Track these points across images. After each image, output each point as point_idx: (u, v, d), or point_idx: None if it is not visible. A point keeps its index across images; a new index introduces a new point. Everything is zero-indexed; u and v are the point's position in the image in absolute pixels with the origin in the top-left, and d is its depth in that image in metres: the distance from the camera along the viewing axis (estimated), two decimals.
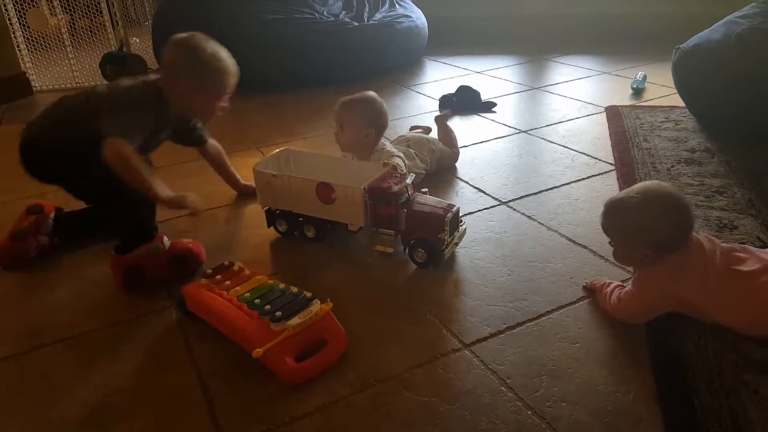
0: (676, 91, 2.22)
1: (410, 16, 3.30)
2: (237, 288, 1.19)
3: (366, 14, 3.21)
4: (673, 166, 1.78)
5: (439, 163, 1.87)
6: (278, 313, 1.08)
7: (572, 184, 1.75)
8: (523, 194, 1.71)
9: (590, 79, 2.85)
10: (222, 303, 1.16)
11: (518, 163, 1.94)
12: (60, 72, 3.30)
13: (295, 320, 1.08)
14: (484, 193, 1.74)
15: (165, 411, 1.01)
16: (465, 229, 1.45)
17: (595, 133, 2.14)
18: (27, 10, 3.12)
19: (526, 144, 2.10)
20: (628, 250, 1.14)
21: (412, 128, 2.17)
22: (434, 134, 2.04)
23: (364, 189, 1.37)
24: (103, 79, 3.23)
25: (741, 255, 1.10)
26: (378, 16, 3.22)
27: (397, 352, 1.11)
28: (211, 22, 2.89)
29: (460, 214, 1.43)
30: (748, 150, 1.85)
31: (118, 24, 3.28)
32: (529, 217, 1.58)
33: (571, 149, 2.01)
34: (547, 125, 2.26)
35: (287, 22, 2.86)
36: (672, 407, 0.94)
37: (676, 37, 2.26)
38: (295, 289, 1.18)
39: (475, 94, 2.55)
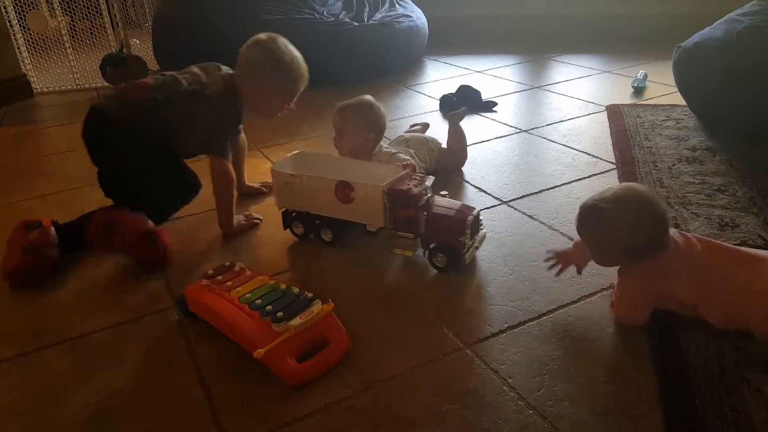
0: (677, 89, 2.22)
1: (410, 16, 3.30)
2: (238, 288, 1.19)
3: (366, 14, 3.21)
4: (674, 165, 1.78)
5: (443, 164, 1.87)
6: (279, 314, 1.08)
7: (573, 184, 1.74)
8: (524, 193, 1.71)
9: (591, 78, 2.85)
10: (223, 304, 1.16)
11: (519, 163, 1.94)
12: (60, 74, 3.30)
13: (296, 321, 1.08)
14: (485, 192, 1.74)
15: (166, 412, 1.01)
16: (485, 232, 1.43)
17: (596, 132, 2.13)
18: (27, 12, 3.12)
19: (526, 143, 2.10)
20: (603, 255, 1.15)
21: (412, 126, 2.17)
22: (431, 131, 2.04)
23: (384, 191, 1.36)
24: (104, 81, 3.24)
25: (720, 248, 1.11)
26: (378, 16, 3.22)
27: (399, 352, 1.11)
28: (211, 23, 2.90)
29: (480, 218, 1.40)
30: (750, 148, 1.85)
31: (118, 26, 3.28)
32: (530, 216, 1.58)
33: (572, 148, 2.01)
34: (547, 124, 2.25)
35: (287, 23, 2.86)
36: (673, 406, 0.94)
37: (677, 35, 2.26)
38: (296, 290, 1.18)
39: (476, 93, 2.55)
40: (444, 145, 1.93)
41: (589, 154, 1.94)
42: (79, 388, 1.08)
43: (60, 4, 3.22)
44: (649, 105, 2.37)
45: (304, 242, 1.53)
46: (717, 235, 1.38)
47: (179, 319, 1.25)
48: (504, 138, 2.16)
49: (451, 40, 3.72)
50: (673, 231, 1.12)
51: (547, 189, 1.73)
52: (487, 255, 1.41)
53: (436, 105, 2.58)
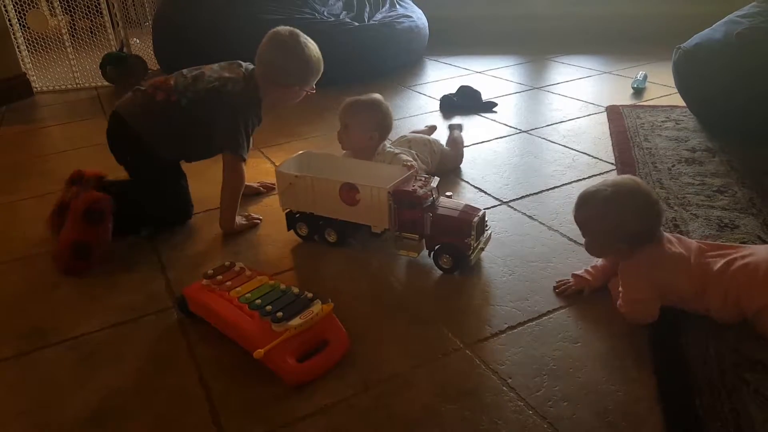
0: (676, 90, 2.22)
1: (411, 16, 3.30)
2: (238, 288, 1.19)
3: (366, 14, 3.21)
4: (673, 166, 1.78)
5: (442, 165, 1.87)
6: (279, 314, 1.08)
7: (573, 184, 1.75)
8: (524, 194, 1.71)
9: (591, 78, 2.85)
10: (223, 303, 1.16)
11: (519, 163, 1.94)
12: (60, 73, 3.30)
13: (296, 321, 1.08)
14: (485, 193, 1.74)
15: (166, 412, 1.01)
16: (491, 233, 1.43)
17: (596, 133, 2.13)
18: (27, 11, 3.12)
19: (526, 144, 2.10)
20: (601, 242, 1.16)
21: (426, 126, 2.19)
22: (436, 134, 2.05)
23: (389, 192, 1.35)
24: (104, 81, 3.24)
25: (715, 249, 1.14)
26: (378, 16, 3.22)
27: (399, 352, 1.11)
28: (211, 23, 2.90)
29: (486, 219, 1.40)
30: (749, 149, 1.85)
31: (118, 25, 3.28)
32: (530, 216, 1.58)
33: (572, 149, 2.01)
34: (547, 125, 2.26)
35: (287, 23, 2.82)
36: (673, 407, 0.94)
37: (677, 36, 2.26)
38: (296, 290, 1.18)
39: (476, 93, 2.55)
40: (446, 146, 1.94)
41: (588, 155, 1.95)
42: (79, 387, 1.08)
43: (60, 3, 3.22)
44: (649, 106, 2.37)
45: (304, 242, 1.53)
46: (716, 236, 1.38)
47: (179, 319, 1.25)
48: (504, 138, 2.17)
49: (452, 40, 3.72)
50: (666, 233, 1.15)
51: (547, 189, 1.73)
52: (487, 255, 1.41)
53: (437, 105, 2.59)
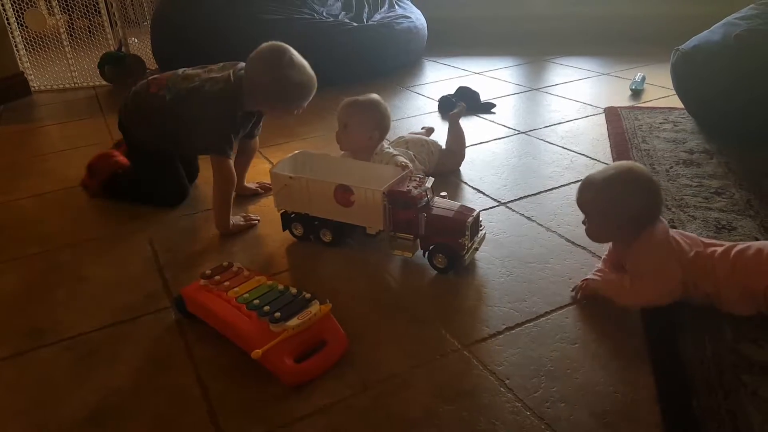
0: (674, 92, 2.22)
1: (409, 17, 3.31)
2: (236, 288, 1.19)
3: (365, 15, 3.21)
4: (671, 167, 1.79)
5: (441, 166, 1.87)
6: (277, 314, 1.08)
7: (571, 185, 1.75)
8: (522, 195, 1.71)
9: (589, 80, 2.86)
10: (221, 304, 1.16)
11: (517, 164, 1.94)
12: (58, 72, 3.30)
13: (294, 321, 1.08)
14: (483, 193, 1.74)
15: (164, 412, 1.01)
16: (485, 233, 1.43)
17: (594, 134, 2.14)
18: (25, 10, 3.12)
19: (525, 145, 2.10)
20: (603, 223, 1.17)
21: (423, 128, 2.18)
22: (436, 135, 2.04)
23: (384, 193, 1.36)
24: (102, 80, 3.24)
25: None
26: (377, 16, 3.22)
27: (397, 352, 1.11)
28: (210, 22, 2.90)
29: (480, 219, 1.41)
30: (747, 151, 1.85)
31: (116, 24, 3.28)
32: (528, 218, 1.58)
33: (570, 150, 2.01)
34: (546, 126, 2.26)
35: (286, 23, 2.86)
36: (671, 408, 0.94)
37: (675, 38, 2.26)
38: (294, 290, 1.18)
39: (475, 94, 2.55)
40: (444, 146, 1.93)
41: (587, 156, 1.95)
42: (77, 387, 1.08)
43: (58, 2, 3.21)
44: (647, 107, 2.38)
45: (302, 242, 1.53)
46: (714, 237, 1.38)
47: (177, 319, 1.25)
48: (502, 139, 2.17)
49: (450, 41, 3.72)
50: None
51: (545, 191, 1.73)
52: (484, 256, 1.41)
53: (435, 106, 2.59)
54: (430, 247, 1.36)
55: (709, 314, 1.11)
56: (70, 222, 1.72)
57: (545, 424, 0.93)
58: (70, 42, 3.28)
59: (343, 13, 3.19)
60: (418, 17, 3.39)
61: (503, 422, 0.94)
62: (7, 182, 2.05)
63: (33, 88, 3.22)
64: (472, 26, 3.86)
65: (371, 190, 1.36)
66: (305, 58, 1.60)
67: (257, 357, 1.03)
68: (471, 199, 1.72)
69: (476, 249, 1.39)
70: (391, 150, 1.70)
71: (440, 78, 3.07)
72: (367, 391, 1.02)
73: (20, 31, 3.15)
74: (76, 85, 3.30)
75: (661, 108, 2.34)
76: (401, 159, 1.64)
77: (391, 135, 1.91)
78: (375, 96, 1.69)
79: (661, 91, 2.55)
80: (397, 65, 3.28)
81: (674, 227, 1.44)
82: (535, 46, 3.53)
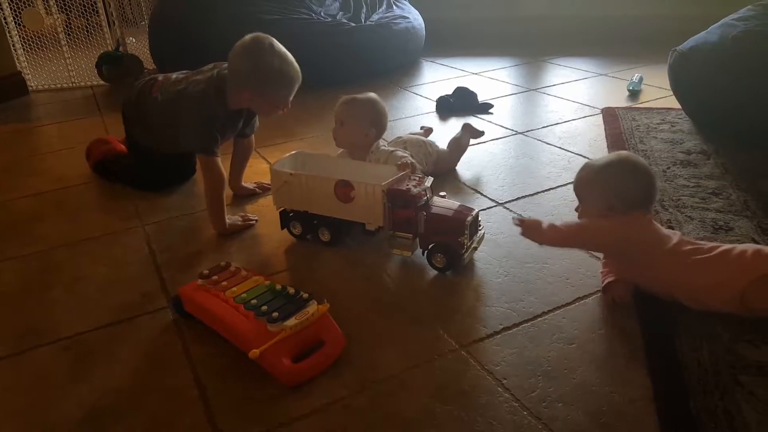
0: (672, 93, 2.23)
1: (407, 17, 3.31)
2: (234, 288, 1.19)
3: (363, 15, 3.21)
4: (669, 168, 1.79)
5: (437, 166, 1.87)
6: (275, 314, 1.08)
7: (568, 186, 1.74)
8: (520, 195, 1.71)
9: (587, 80, 2.86)
10: (219, 304, 1.16)
11: (515, 165, 1.94)
12: (56, 72, 3.29)
13: (291, 321, 1.08)
14: (481, 194, 1.74)
15: (162, 412, 1.01)
16: (484, 233, 1.44)
17: (592, 135, 2.14)
18: (23, 10, 3.11)
19: (522, 145, 2.11)
20: (596, 203, 1.19)
21: (421, 128, 2.18)
22: (434, 135, 2.04)
23: (384, 191, 1.36)
24: (100, 80, 3.23)
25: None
26: (375, 17, 3.22)
27: (394, 352, 1.11)
28: (207, 22, 2.90)
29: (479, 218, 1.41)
30: (744, 152, 1.85)
31: (114, 24, 3.27)
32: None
33: (568, 151, 2.01)
34: (543, 127, 2.26)
35: (284, 23, 2.86)
36: (668, 408, 0.94)
37: (673, 39, 2.27)
38: (292, 290, 1.17)
39: (472, 95, 2.55)
40: (443, 147, 1.94)
41: (584, 157, 1.95)
42: (74, 387, 1.08)
43: (56, 1, 3.21)
44: (645, 108, 2.38)
45: (300, 242, 1.53)
46: (711, 237, 1.39)
47: (174, 319, 1.25)
48: (500, 140, 2.17)
49: (448, 41, 3.72)
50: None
51: (543, 191, 1.73)
52: (482, 256, 1.41)
53: (433, 106, 2.59)
54: (429, 246, 1.36)
55: (706, 315, 1.11)
56: (67, 222, 1.72)
57: (542, 423, 0.94)
58: (67, 41, 3.27)
59: (341, 13, 3.19)
60: (416, 17, 3.39)
61: (501, 422, 0.94)
62: (4, 182, 2.04)
63: (30, 88, 3.21)
64: (470, 27, 3.86)
65: (371, 185, 1.37)
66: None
67: (255, 357, 1.03)
68: (469, 199, 1.72)
69: (475, 248, 1.40)
70: (388, 148, 1.70)
71: (438, 78, 3.07)
72: (364, 391, 1.02)
73: (18, 31, 3.14)
74: (74, 84, 3.29)
75: (658, 109, 2.35)
76: (400, 154, 1.63)
77: (389, 135, 1.91)
78: (373, 95, 1.70)
79: (658, 91, 2.56)
80: (395, 65, 3.28)
81: (671, 228, 1.44)
82: (532, 47, 3.53)
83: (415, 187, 1.36)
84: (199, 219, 1.68)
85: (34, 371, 1.13)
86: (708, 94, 2.01)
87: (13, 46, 3.12)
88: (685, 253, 1.13)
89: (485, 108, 2.50)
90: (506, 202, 1.68)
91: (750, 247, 1.11)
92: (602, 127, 2.20)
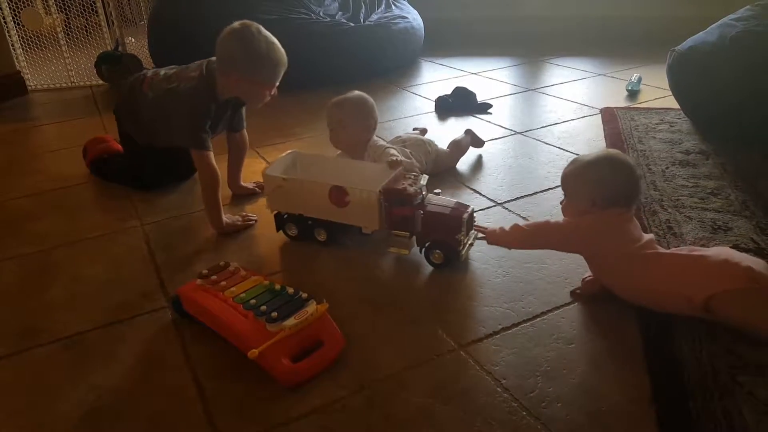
0: (671, 93, 2.23)
1: (406, 17, 3.30)
2: (233, 288, 1.19)
3: (362, 15, 3.21)
4: (667, 168, 1.79)
5: (436, 165, 1.87)
6: (274, 314, 1.08)
7: None
8: (519, 195, 1.71)
9: (586, 80, 2.86)
10: (218, 304, 1.16)
11: (514, 165, 1.94)
12: (55, 71, 3.28)
13: (291, 321, 1.08)
14: (480, 194, 1.74)
15: (160, 412, 1.01)
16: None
17: (591, 135, 2.14)
18: (22, 9, 3.11)
19: (521, 145, 2.11)
20: (580, 198, 1.21)
21: (414, 129, 2.18)
22: (430, 135, 2.04)
23: (380, 191, 1.36)
24: (99, 80, 3.23)
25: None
26: (374, 17, 3.22)
27: (393, 352, 1.11)
28: (207, 22, 2.89)
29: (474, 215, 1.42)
30: (743, 152, 1.86)
31: (113, 23, 3.27)
32: (524, 218, 1.58)
33: (567, 151, 2.02)
34: (542, 127, 2.26)
35: (283, 23, 2.86)
36: (667, 408, 0.94)
37: (671, 39, 2.27)
38: (291, 290, 1.18)
39: (471, 95, 2.56)
40: (444, 147, 1.94)
41: None
42: (73, 387, 1.08)
43: (55, 1, 3.20)
44: (644, 108, 2.38)
45: (299, 243, 1.53)
46: (710, 238, 1.39)
47: (173, 319, 1.25)
48: (499, 140, 2.17)
49: (447, 41, 3.72)
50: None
51: (542, 191, 1.73)
52: (481, 256, 1.41)
53: (432, 106, 2.59)
54: (427, 244, 1.37)
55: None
56: (66, 221, 1.72)
57: (541, 424, 0.94)
58: (66, 41, 3.27)
59: (340, 13, 3.19)
60: (414, 17, 3.39)
61: (500, 422, 0.94)
62: (2, 181, 2.04)
63: (30, 87, 3.21)
64: (469, 27, 3.86)
65: (367, 191, 1.37)
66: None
67: (254, 357, 1.03)
68: (467, 199, 1.71)
69: (471, 245, 1.40)
70: (384, 143, 1.70)
71: (437, 78, 3.07)
72: (363, 391, 1.02)
73: (17, 30, 3.14)
74: (73, 84, 3.29)
75: (657, 109, 2.35)
76: (392, 151, 1.63)
77: (389, 135, 1.91)
78: (360, 92, 1.71)
79: (657, 91, 2.56)
80: (394, 65, 3.27)
81: (670, 228, 1.44)
82: (531, 47, 3.53)
83: (411, 185, 1.37)
84: (198, 219, 1.68)
85: (33, 371, 1.13)
86: (707, 94, 2.01)
87: (12, 45, 3.12)
88: (647, 257, 1.14)
89: (484, 108, 2.51)
90: (505, 202, 1.68)
91: (720, 254, 1.10)
92: (601, 127, 2.20)
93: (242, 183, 1.83)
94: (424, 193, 1.39)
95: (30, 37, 3.23)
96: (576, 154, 1.96)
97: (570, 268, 1.33)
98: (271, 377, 1.04)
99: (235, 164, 1.81)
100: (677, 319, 1.12)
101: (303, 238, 1.52)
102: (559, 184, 1.75)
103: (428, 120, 2.42)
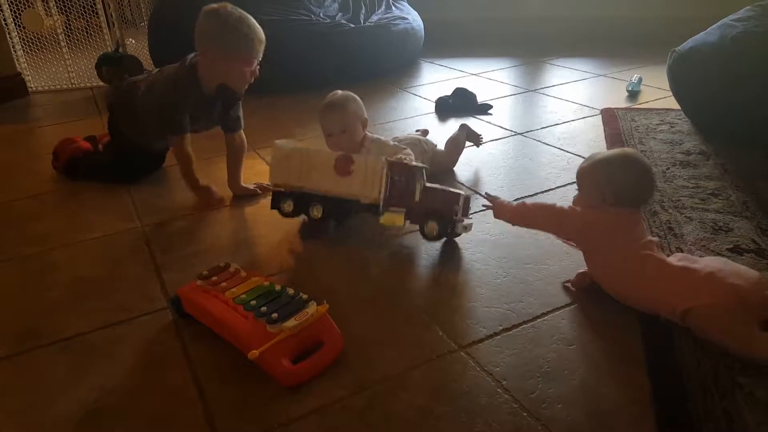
0: (671, 93, 2.23)
1: (406, 18, 3.31)
2: (233, 289, 1.19)
3: (362, 16, 3.21)
4: (668, 169, 1.79)
5: (434, 165, 1.87)
6: (274, 315, 1.08)
7: (568, 187, 1.75)
8: (519, 196, 1.71)
9: (586, 81, 2.86)
10: (218, 304, 1.16)
11: (514, 165, 1.94)
12: (55, 73, 3.29)
13: (291, 322, 1.08)
14: (480, 194, 1.74)
15: (161, 412, 1.01)
16: (471, 223, 1.49)
17: (591, 136, 2.14)
18: (22, 11, 3.11)
19: (521, 146, 2.11)
20: (592, 192, 1.23)
21: (416, 131, 2.18)
22: (430, 136, 2.04)
23: (386, 159, 1.42)
24: (99, 81, 3.23)
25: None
26: (374, 17, 3.23)
27: (393, 353, 1.11)
28: None
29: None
30: (743, 153, 1.86)
31: (114, 25, 3.28)
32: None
33: (567, 151, 2.01)
34: (542, 127, 2.26)
35: (283, 24, 2.86)
36: (667, 409, 0.94)
37: (672, 39, 2.27)
38: (291, 291, 1.17)
39: (472, 96, 2.56)
40: (440, 147, 1.94)
41: (583, 158, 1.93)
42: (73, 388, 1.08)
43: (55, 2, 3.21)
44: (644, 109, 2.38)
45: (299, 243, 1.53)
46: (710, 238, 1.39)
47: (174, 320, 1.25)
48: (499, 141, 2.17)
49: (447, 42, 3.73)
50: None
51: (542, 192, 1.73)
52: (481, 257, 1.41)
53: (432, 107, 2.59)
54: (423, 216, 1.43)
55: None
56: (66, 222, 1.72)
57: (542, 425, 0.94)
58: (67, 43, 3.27)
59: (340, 14, 3.19)
60: (415, 18, 3.39)
61: (500, 423, 0.94)
62: (3, 182, 2.04)
63: (30, 89, 3.21)
64: (469, 27, 3.87)
65: (372, 160, 1.43)
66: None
67: (254, 358, 1.03)
68: None
69: (465, 228, 1.46)
70: (380, 137, 1.69)
71: (437, 79, 3.08)
72: (363, 392, 1.02)
73: (17, 32, 3.14)
74: (74, 85, 3.29)
75: (657, 109, 2.35)
76: (407, 150, 1.62)
77: (388, 136, 1.91)
78: (346, 92, 1.68)
79: (657, 92, 2.56)
80: (394, 66, 3.28)
81: (671, 229, 1.44)
82: (532, 48, 3.54)
83: (411, 162, 1.46)
84: (198, 219, 1.68)
85: (34, 371, 1.13)
86: (707, 94, 2.01)
87: (13, 47, 3.12)
88: (641, 258, 1.14)
89: (484, 109, 2.51)
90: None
91: (709, 266, 1.10)
92: (601, 127, 2.20)
93: (243, 184, 1.83)
94: (425, 174, 1.46)
95: (31, 38, 3.23)
96: (577, 155, 1.97)
97: (570, 269, 1.33)
98: (271, 378, 1.04)
99: (234, 165, 1.81)
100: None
101: (298, 214, 1.54)
102: (560, 184, 1.77)
103: (428, 121, 2.42)
